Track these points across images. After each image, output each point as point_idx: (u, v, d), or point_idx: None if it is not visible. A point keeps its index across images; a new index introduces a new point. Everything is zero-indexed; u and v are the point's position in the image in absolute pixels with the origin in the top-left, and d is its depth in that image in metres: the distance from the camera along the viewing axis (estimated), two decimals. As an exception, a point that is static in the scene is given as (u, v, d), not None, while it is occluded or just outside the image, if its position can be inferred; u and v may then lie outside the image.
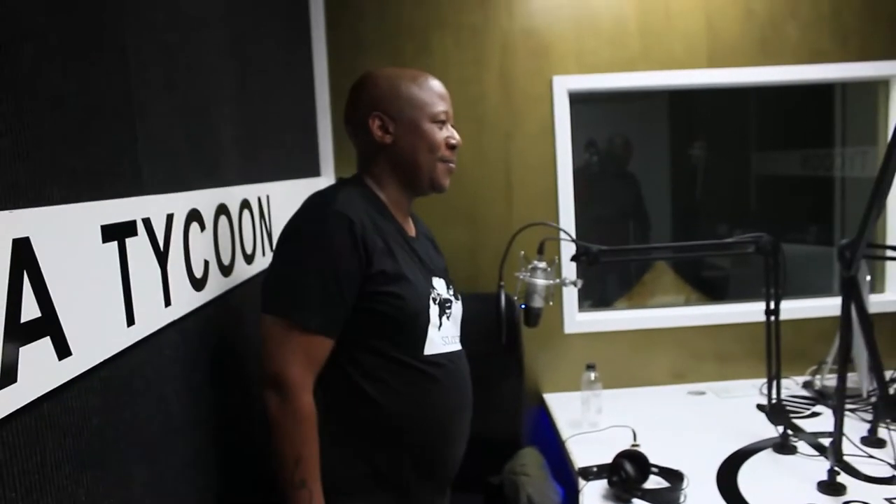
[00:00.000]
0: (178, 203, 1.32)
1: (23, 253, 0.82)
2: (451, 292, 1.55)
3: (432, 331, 1.43)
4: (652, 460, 1.92)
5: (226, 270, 1.58)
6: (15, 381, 0.79)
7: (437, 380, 1.44)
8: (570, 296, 2.79)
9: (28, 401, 0.82)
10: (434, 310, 1.44)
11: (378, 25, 2.67)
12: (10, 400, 0.79)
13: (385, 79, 1.48)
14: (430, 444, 1.46)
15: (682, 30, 2.70)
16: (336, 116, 2.70)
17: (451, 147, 1.49)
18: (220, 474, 1.48)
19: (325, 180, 2.68)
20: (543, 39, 2.70)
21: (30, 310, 0.83)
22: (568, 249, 2.06)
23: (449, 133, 1.49)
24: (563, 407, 2.59)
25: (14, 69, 0.85)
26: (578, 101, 2.78)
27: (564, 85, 2.70)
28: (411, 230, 1.55)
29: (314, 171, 2.63)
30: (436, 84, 1.50)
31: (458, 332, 1.55)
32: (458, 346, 1.54)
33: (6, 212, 0.80)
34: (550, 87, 2.70)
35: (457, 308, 1.55)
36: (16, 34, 0.85)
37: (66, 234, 0.93)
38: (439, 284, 1.50)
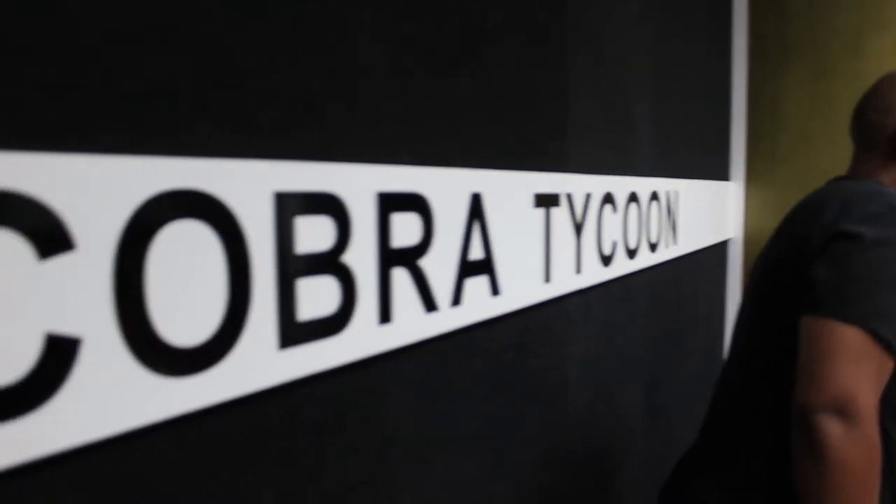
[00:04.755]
0: (596, 184, 1.46)
1: (476, 204, 1.03)
2: None
3: None
4: None
5: (631, 254, 1.68)
6: (459, 303, 1.00)
7: None
8: None
9: (468, 323, 1.03)
10: None
11: (805, 30, 2.52)
12: (458, 317, 1.01)
13: None
14: None
15: None
16: (751, 123, 2.63)
17: None
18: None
19: (734, 185, 2.63)
20: None
21: (476, 252, 1.04)
22: None
23: None
24: None
25: (475, 63, 1.06)
26: None
27: None
28: None
29: (723, 175, 2.60)
30: None
31: None
32: None
33: (467, 169, 1.01)
34: None
35: None
36: (477, 37, 1.06)
37: (508, 195, 1.12)
38: None
